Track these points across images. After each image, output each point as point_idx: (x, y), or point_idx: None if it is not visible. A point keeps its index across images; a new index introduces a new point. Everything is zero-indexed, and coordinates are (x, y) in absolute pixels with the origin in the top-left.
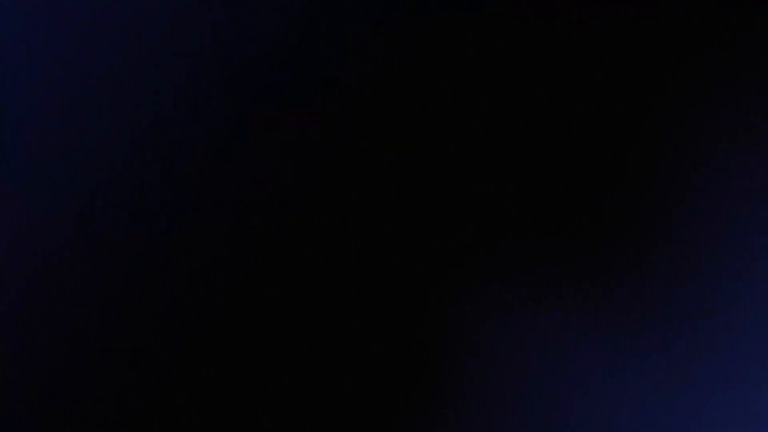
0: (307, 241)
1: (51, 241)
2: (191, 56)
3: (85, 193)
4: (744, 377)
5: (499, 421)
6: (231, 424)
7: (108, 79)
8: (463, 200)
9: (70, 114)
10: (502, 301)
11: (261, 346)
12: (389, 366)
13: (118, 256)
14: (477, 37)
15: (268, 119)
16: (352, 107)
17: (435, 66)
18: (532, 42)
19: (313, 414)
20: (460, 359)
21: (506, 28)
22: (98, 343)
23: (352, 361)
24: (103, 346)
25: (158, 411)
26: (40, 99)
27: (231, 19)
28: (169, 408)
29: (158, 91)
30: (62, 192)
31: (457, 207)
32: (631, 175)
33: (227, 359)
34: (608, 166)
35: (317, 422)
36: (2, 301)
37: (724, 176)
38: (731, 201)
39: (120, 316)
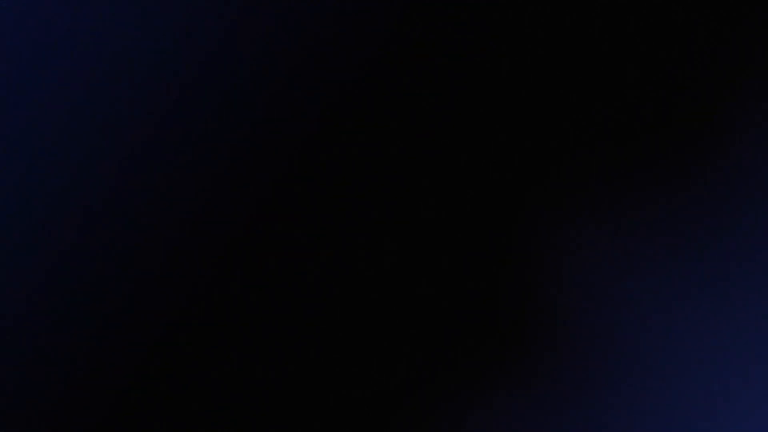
0: (307, 244)
1: (50, 241)
2: (191, 56)
3: (84, 194)
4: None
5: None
6: (232, 424)
7: (108, 79)
8: (464, 202)
9: (70, 114)
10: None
11: (263, 345)
12: (390, 367)
13: (118, 256)
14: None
15: (267, 119)
16: (353, 108)
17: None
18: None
19: (314, 414)
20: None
21: (507, 28)
22: (97, 342)
23: (355, 362)
24: (103, 347)
25: (158, 411)
26: (39, 99)
27: (231, 19)
28: (168, 408)
29: (157, 91)
30: (61, 192)
31: (458, 209)
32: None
33: (230, 360)
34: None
35: (318, 422)
36: (2, 301)
37: (726, 176)
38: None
39: (120, 316)
